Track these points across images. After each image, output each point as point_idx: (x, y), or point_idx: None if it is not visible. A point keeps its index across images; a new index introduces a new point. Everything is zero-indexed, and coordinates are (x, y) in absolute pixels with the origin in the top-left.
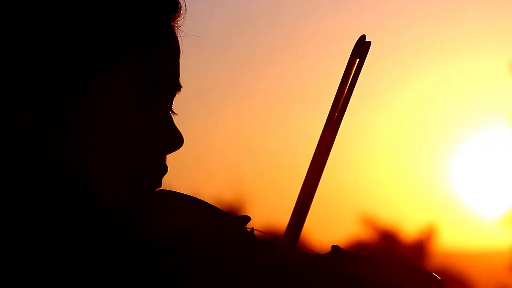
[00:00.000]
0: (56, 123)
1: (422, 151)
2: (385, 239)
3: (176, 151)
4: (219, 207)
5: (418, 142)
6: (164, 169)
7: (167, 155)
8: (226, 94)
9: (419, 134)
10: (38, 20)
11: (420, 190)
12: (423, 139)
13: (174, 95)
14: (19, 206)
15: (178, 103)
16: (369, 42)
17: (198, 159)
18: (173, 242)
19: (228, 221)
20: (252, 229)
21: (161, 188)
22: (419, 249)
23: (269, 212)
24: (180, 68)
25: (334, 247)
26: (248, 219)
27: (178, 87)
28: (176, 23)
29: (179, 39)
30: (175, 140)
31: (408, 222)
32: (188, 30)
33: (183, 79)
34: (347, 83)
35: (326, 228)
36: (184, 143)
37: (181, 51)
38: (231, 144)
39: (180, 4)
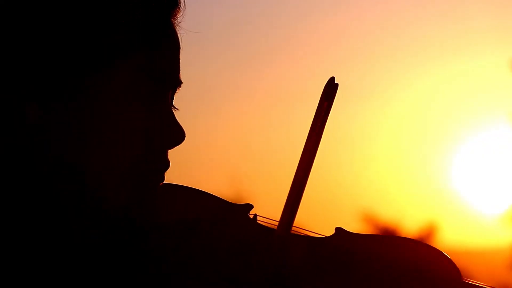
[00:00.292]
0: (59, 122)
1: (422, 149)
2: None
3: (178, 146)
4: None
5: (418, 140)
6: (166, 164)
7: (169, 150)
8: (225, 92)
9: (420, 132)
10: (40, 20)
11: (421, 187)
12: (423, 137)
13: (175, 91)
14: (20, 205)
15: (178, 101)
16: (337, 85)
17: (197, 157)
18: (178, 234)
19: (231, 209)
20: (255, 215)
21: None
22: None
23: (269, 210)
24: (180, 64)
25: (338, 229)
26: (250, 207)
27: (179, 83)
28: (175, 20)
29: (178, 35)
30: (177, 135)
31: (409, 220)
32: (188, 28)
33: (183, 77)
34: (319, 123)
35: (327, 226)
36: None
37: (181, 47)
38: (231, 142)
39: (180, 0)
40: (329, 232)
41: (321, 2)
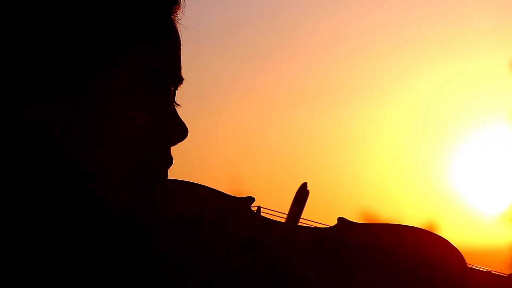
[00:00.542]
0: (59, 121)
1: (422, 148)
2: None
3: (181, 142)
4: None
5: (418, 139)
6: (169, 161)
7: (172, 147)
8: (225, 91)
9: (419, 132)
10: (39, 19)
11: (420, 187)
12: (423, 136)
13: (176, 88)
14: (19, 205)
15: (178, 100)
16: (308, 191)
17: (197, 157)
18: (178, 232)
19: (233, 202)
20: (259, 207)
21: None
22: None
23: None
24: (181, 61)
25: (340, 219)
26: (252, 199)
27: (180, 80)
28: (175, 16)
29: (179, 32)
30: (180, 131)
31: (408, 220)
32: (187, 26)
33: (184, 75)
34: (290, 226)
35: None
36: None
37: (181, 45)
38: (230, 141)
39: None
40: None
41: (321, 2)
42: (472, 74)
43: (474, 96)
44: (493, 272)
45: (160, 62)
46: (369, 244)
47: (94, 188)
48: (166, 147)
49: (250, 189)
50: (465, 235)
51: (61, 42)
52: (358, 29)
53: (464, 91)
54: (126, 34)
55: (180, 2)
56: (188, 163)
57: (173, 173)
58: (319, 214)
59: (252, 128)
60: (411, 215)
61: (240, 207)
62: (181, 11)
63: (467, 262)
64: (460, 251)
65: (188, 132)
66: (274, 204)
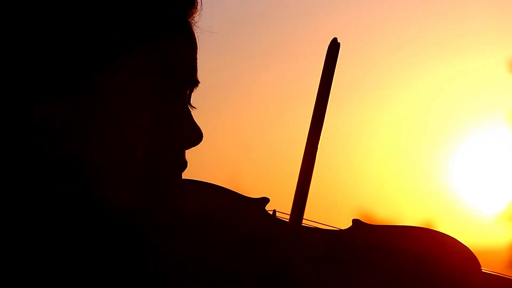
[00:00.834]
0: (61, 121)
1: (420, 148)
2: None
3: (196, 146)
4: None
5: (416, 139)
6: (183, 165)
7: (186, 150)
8: (225, 92)
9: (417, 131)
10: (43, 18)
11: (418, 187)
12: (421, 136)
13: (192, 90)
14: (20, 204)
15: None
16: (339, 44)
17: (196, 156)
18: (191, 228)
19: (248, 204)
20: (274, 211)
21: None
22: None
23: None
24: (197, 63)
25: (355, 221)
26: (267, 200)
27: (195, 82)
28: (192, 19)
29: (196, 35)
30: (194, 135)
31: (406, 219)
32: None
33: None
34: (324, 83)
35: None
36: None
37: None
38: (230, 141)
39: (196, 0)
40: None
41: (321, 2)
42: (470, 74)
43: (472, 96)
44: (500, 275)
45: (173, 64)
46: (385, 246)
47: (94, 188)
48: (179, 151)
49: (249, 189)
50: (463, 235)
51: (63, 42)
52: (356, 30)
53: (462, 91)
54: (128, 34)
55: (196, 6)
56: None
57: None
58: (317, 214)
59: (251, 128)
60: (409, 214)
61: (256, 208)
62: (197, 14)
63: (481, 266)
64: (476, 257)
65: (202, 137)
66: (273, 204)
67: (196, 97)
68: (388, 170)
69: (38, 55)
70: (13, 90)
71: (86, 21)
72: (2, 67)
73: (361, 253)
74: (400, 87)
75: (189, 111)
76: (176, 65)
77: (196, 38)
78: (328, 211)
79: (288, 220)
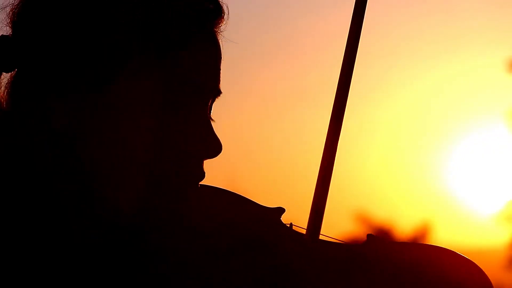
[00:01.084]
0: (69, 120)
1: (417, 148)
2: (379, 236)
3: (213, 158)
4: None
5: (414, 139)
6: (200, 175)
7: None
8: (224, 91)
9: (415, 131)
10: (62, 18)
11: (415, 187)
12: (419, 136)
13: (213, 101)
14: (20, 203)
15: None
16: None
17: None
18: (208, 236)
19: (264, 214)
20: (291, 224)
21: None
22: None
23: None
24: (220, 73)
25: (370, 236)
26: (282, 210)
27: (216, 92)
28: (218, 29)
29: (221, 45)
30: (212, 147)
31: (403, 219)
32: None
33: None
34: (352, 42)
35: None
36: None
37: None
38: (228, 141)
39: (223, 9)
40: (322, 229)
41: (319, 1)
42: (469, 74)
43: (470, 96)
44: None
45: (193, 73)
46: (399, 262)
47: (94, 189)
48: (195, 160)
49: (248, 189)
50: (460, 235)
51: (82, 45)
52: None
53: (460, 92)
54: (143, 43)
55: (223, 15)
56: None
57: None
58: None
59: (249, 128)
60: (405, 214)
61: (272, 218)
62: (224, 23)
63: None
64: (488, 277)
65: (221, 149)
66: (273, 204)
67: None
68: (386, 170)
69: (61, 53)
70: (48, 89)
71: (100, 23)
72: (23, 68)
73: (374, 269)
74: (398, 87)
75: (209, 121)
76: (195, 74)
77: (221, 47)
78: (326, 211)
79: (304, 233)
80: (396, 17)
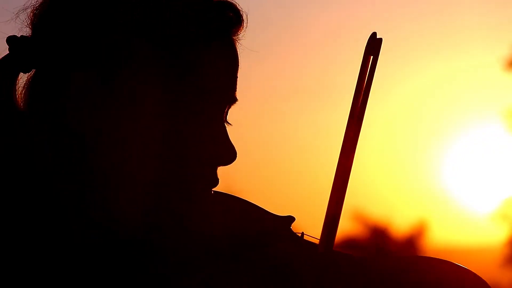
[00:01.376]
0: (95, 123)
1: (414, 147)
2: (375, 235)
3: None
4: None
5: (410, 138)
6: (212, 181)
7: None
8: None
9: (411, 130)
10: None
11: (411, 186)
12: (415, 135)
13: (229, 108)
14: (20, 203)
15: None
16: (381, 39)
17: None
18: (221, 243)
19: (274, 223)
20: (302, 233)
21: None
22: (409, 245)
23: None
24: (236, 81)
25: (379, 249)
26: (292, 219)
27: (232, 100)
28: (237, 37)
29: (238, 52)
30: (226, 154)
31: (399, 218)
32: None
33: None
34: (364, 80)
35: (318, 224)
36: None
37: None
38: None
39: (243, 18)
40: (319, 229)
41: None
42: (464, 73)
43: (466, 95)
44: None
45: (213, 80)
46: (402, 276)
47: (95, 190)
48: (208, 167)
49: (247, 189)
50: (456, 234)
51: (103, 46)
52: (354, 28)
53: (456, 90)
54: (165, 48)
55: (242, 23)
56: None
57: None
58: (309, 213)
59: (248, 128)
60: (401, 213)
61: (282, 227)
62: (242, 31)
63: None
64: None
65: (236, 156)
66: (272, 205)
67: None
68: (382, 168)
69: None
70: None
71: (118, 27)
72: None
73: (378, 283)
74: (394, 86)
75: (225, 128)
76: (212, 81)
77: (239, 55)
78: (321, 211)
79: (317, 243)
80: (393, 16)
